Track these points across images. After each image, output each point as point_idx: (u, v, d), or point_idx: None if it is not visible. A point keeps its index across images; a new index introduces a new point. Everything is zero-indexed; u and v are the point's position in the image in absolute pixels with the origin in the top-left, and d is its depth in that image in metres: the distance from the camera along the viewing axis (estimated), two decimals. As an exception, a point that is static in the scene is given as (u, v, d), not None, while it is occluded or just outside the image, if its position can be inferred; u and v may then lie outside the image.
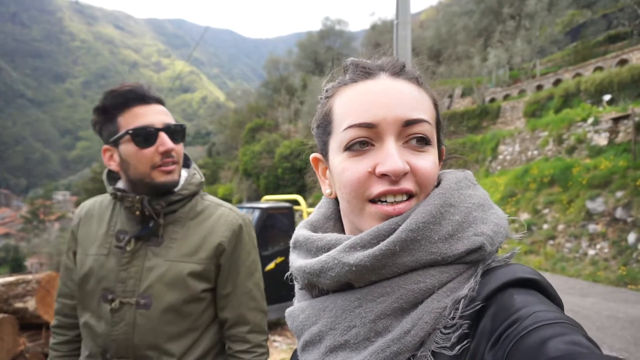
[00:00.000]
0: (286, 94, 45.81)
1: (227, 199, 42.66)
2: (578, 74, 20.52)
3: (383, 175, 0.59)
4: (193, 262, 1.29)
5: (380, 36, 37.83)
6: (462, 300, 0.54)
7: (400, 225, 0.57)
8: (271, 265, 6.56)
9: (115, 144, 1.27)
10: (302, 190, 31.68)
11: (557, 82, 21.34)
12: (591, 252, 9.47)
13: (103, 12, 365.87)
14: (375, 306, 0.56)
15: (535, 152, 14.51)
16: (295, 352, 0.70)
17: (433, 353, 0.53)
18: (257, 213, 6.85)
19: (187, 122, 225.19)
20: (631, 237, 8.82)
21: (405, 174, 0.59)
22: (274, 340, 6.08)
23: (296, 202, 7.58)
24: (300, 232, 0.71)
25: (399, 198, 0.60)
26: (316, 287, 0.64)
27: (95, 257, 1.29)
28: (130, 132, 1.23)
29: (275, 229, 6.94)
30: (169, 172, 1.27)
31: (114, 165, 1.30)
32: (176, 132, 1.30)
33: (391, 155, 0.58)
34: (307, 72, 44.47)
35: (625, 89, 15.22)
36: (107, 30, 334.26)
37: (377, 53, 0.70)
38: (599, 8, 33.57)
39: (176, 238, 1.30)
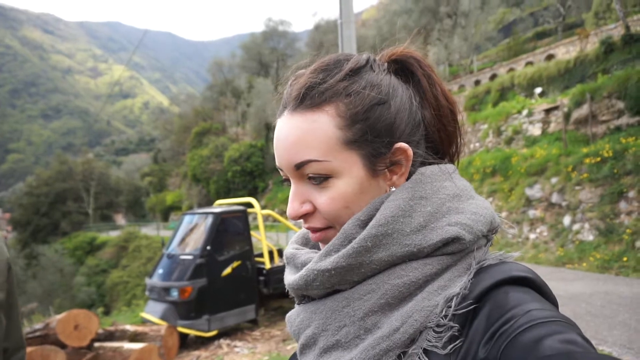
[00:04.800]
0: (232, 97, 45.08)
1: (176, 206, 41.41)
2: (511, 69, 21.74)
3: None
4: None
5: (324, 36, 38.05)
6: (455, 298, 0.54)
7: (363, 221, 0.59)
8: (228, 270, 6.45)
9: None
10: (253, 193, 31.32)
11: (493, 77, 22.50)
12: (532, 236, 10.07)
13: (28, 16, 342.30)
14: (363, 304, 0.57)
15: (477, 144, 15.22)
16: (294, 355, 0.70)
17: (425, 351, 0.53)
18: (210, 218, 6.71)
19: (129, 128, 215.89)
20: (566, 220, 9.47)
21: (311, 213, 0.62)
22: (235, 346, 5.99)
23: (250, 205, 7.50)
24: (289, 248, 0.72)
25: (315, 229, 0.64)
26: (308, 297, 0.66)
27: None
28: None
29: (229, 234, 6.83)
30: None
31: None
32: None
33: (290, 201, 0.63)
34: (252, 74, 43.95)
35: (553, 81, 16.32)
36: (34, 34, 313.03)
37: (319, 57, 0.67)
38: (526, 6, 35.75)
39: None
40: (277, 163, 0.64)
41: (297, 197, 0.62)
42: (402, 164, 0.62)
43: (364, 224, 0.59)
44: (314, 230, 0.63)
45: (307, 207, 0.62)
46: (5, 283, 1.13)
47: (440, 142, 0.67)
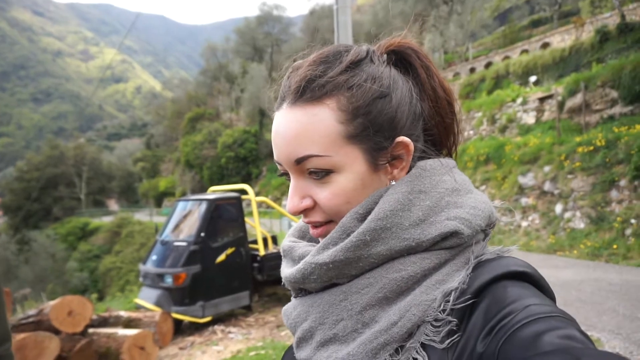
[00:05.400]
0: (226, 82, 44.71)
1: (170, 192, 41.28)
2: (507, 57, 21.69)
3: None
4: None
5: (319, 21, 37.65)
6: (453, 292, 0.53)
7: (362, 215, 0.59)
8: (222, 257, 6.45)
9: None
10: (247, 179, 31.25)
11: (488, 65, 22.45)
12: (524, 223, 10.17)
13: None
14: (360, 297, 0.56)
15: (471, 132, 15.25)
16: (290, 347, 0.69)
17: (423, 345, 0.53)
18: (204, 205, 6.69)
19: (122, 113, 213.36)
20: (558, 208, 9.56)
21: (311, 207, 0.62)
22: (229, 332, 6.03)
23: (244, 192, 7.48)
24: (286, 241, 0.71)
25: (316, 224, 0.63)
26: (305, 290, 0.65)
27: None
28: None
29: (223, 220, 6.82)
30: None
31: None
32: None
33: (289, 197, 0.62)
34: (246, 59, 43.54)
35: (548, 70, 16.32)
36: (24, 16, 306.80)
37: (316, 47, 0.65)
38: (522, -6, 35.50)
39: None
40: (275, 157, 0.63)
41: (297, 192, 0.61)
42: (403, 158, 0.62)
43: (363, 217, 0.58)
44: (315, 225, 0.63)
45: (307, 202, 0.61)
46: None
47: (438, 134, 0.66)
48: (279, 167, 0.64)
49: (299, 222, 0.75)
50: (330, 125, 0.58)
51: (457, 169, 0.65)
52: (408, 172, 0.62)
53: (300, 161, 0.59)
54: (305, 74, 0.59)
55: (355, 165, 0.59)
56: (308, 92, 0.59)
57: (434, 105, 0.64)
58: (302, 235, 0.73)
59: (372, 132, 0.59)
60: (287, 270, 0.66)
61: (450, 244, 0.57)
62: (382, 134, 0.59)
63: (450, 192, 0.60)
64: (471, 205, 0.60)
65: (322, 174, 0.59)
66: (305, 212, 0.62)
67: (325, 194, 0.59)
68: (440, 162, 0.63)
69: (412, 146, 0.61)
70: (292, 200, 0.61)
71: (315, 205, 0.61)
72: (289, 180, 0.64)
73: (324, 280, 0.60)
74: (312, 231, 0.64)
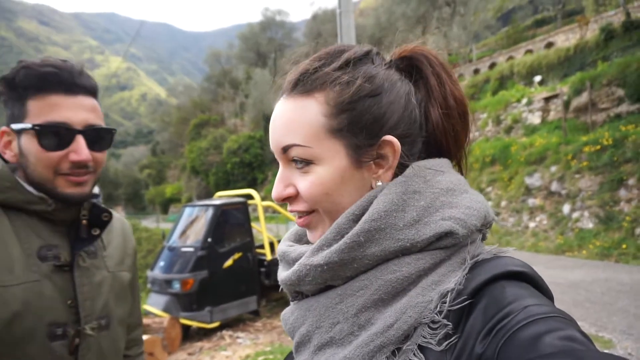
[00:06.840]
0: (230, 88, 44.91)
1: (176, 198, 41.43)
2: (511, 57, 21.61)
3: None
4: (126, 271, 1.20)
5: (322, 25, 37.79)
6: (449, 293, 0.53)
7: (357, 215, 0.58)
8: (229, 262, 6.47)
9: (19, 132, 0.99)
10: (252, 185, 31.30)
11: (492, 66, 22.38)
12: (532, 224, 10.10)
13: (24, 6, 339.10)
14: (356, 300, 0.56)
15: (477, 134, 15.19)
16: (291, 352, 0.69)
17: (420, 347, 0.53)
18: (210, 210, 6.71)
19: (127, 121, 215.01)
20: (566, 208, 9.49)
21: (293, 196, 0.63)
22: (237, 337, 6.03)
23: (250, 197, 7.50)
24: (281, 245, 0.72)
25: (300, 214, 0.65)
26: (302, 294, 0.65)
27: (24, 287, 0.94)
28: (37, 127, 0.96)
29: (230, 225, 6.84)
30: (80, 184, 1.02)
31: (9, 155, 1.02)
32: (101, 138, 1.05)
33: (275, 184, 0.65)
34: (250, 65, 43.74)
35: (553, 69, 16.25)
36: (30, 26, 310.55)
37: (320, 47, 0.68)
38: (525, -6, 35.42)
39: (104, 246, 1.14)
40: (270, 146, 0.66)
41: (281, 179, 0.64)
42: (388, 158, 0.61)
43: (358, 218, 0.58)
44: (299, 215, 0.65)
45: (290, 191, 0.63)
46: (133, 265, 1.25)
47: (446, 143, 0.66)
48: (275, 155, 0.67)
49: (295, 226, 0.75)
50: (314, 117, 0.60)
51: (451, 169, 0.66)
52: (402, 173, 0.62)
53: (285, 149, 0.61)
54: (301, 68, 0.63)
55: (336, 159, 0.60)
56: (301, 85, 0.61)
57: (444, 113, 0.64)
58: (299, 239, 0.73)
59: (356, 129, 0.60)
60: (283, 274, 0.66)
61: (445, 244, 0.57)
62: (367, 131, 0.60)
63: (445, 192, 0.60)
64: (466, 205, 0.59)
65: (303, 164, 0.61)
66: (289, 200, 0.64)
67: (305, 183, 0.61)
68: (435, 162, 0.63)
69: (398, 147, 0.60)
70: (276, 187, 0.64)
71: (297, 195, 0.63)
72: None
73: (319, 282, 0.60)
74: (297, 221, 0.66)
